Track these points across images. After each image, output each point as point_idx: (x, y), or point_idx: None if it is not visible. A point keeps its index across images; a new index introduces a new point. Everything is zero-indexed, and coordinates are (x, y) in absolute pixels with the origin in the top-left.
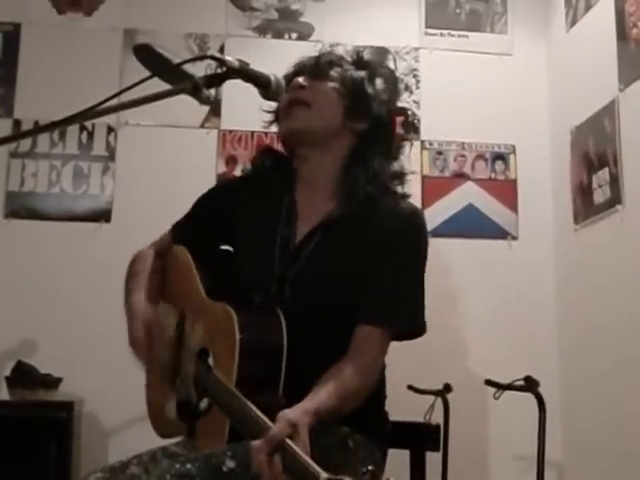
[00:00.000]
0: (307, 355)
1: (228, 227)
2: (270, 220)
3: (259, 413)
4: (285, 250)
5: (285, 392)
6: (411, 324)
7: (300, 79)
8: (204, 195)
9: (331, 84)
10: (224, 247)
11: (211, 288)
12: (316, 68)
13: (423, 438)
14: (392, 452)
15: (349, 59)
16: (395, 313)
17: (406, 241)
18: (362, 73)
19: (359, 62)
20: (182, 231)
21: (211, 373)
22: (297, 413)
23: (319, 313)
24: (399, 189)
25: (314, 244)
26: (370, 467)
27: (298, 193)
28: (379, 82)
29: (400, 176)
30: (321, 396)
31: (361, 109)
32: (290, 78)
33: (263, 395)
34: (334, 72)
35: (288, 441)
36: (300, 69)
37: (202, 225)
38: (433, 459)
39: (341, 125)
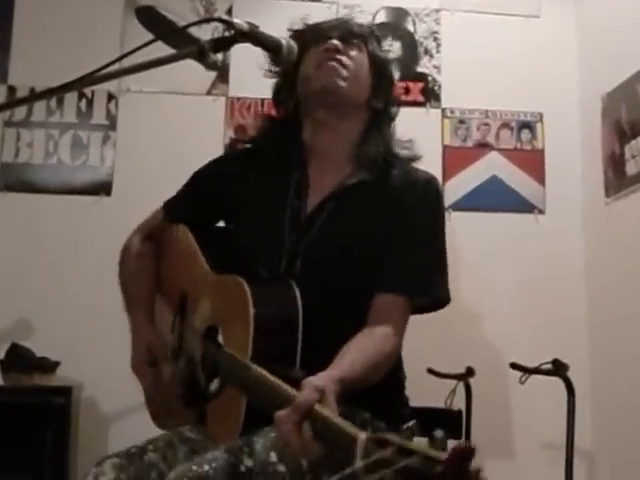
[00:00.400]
0: (322, 330)
1: (229, 203)
2: (278, 194)
3: (281, 383)
4: (296, 223)
5: (302, 368)
6: (435, 293)
7: (336, 42)
8: (201, 169)
9: (364, 57)
10: (222, 225)
11: (214, 268)
12: (350, 36)
13: (444, 424)
14: None
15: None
16: (418, 282)
17: (425, 209)
18: (388, 55)
19: (378, 39)
20: (176, 208)
21: (222, 350)
22: (323, 379)
23: (333, 287)
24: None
25: (327, 214)
26: (411, 423)
27: (310, 166)
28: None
29: (412, 159)
30: (345, 364)
31: (384, 90)
32: (317, 36)
33: (280, 369)
34: (364, 46)
35: (317, 407)
36: (330, 31)
37: (199, 202)
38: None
39: (366, 99)
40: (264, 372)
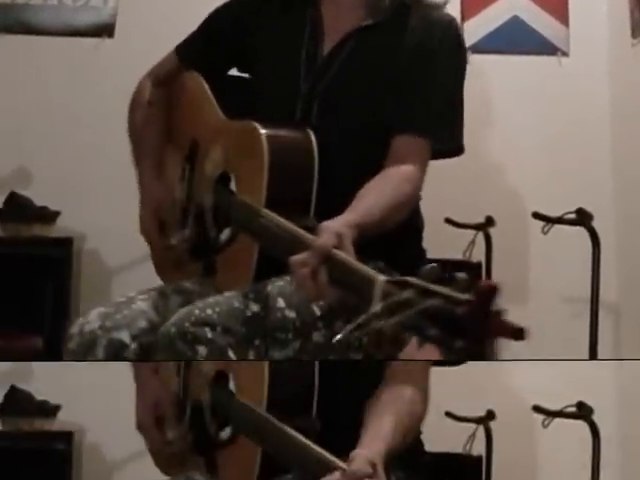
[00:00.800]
0: (338, 176)
1: (243, 46)
2: (293, 37)
3: (297, 228)
4: (312, 66)
5: (316, 216)
6: (452, 138)
7: None
8: (214, 12)
9: None
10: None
11: (228, 115)
12: None
13: None
14: None
15: None
16: (437, 123)
17: (445, 52)
18: None
19: None
20: (190, 51)
21: (234, 197)
22: (340, 224)
23: (351, 130)
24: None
25: (345, 54)
26: (432, 265)
27: (324, 6)
28: None
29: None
30: (362, 208)
31: None
32: None
33: (293, 217)
34: None
35: (334, 251)
36: None
37: (213, 45)
38: None
39: None
40: (278, 218)
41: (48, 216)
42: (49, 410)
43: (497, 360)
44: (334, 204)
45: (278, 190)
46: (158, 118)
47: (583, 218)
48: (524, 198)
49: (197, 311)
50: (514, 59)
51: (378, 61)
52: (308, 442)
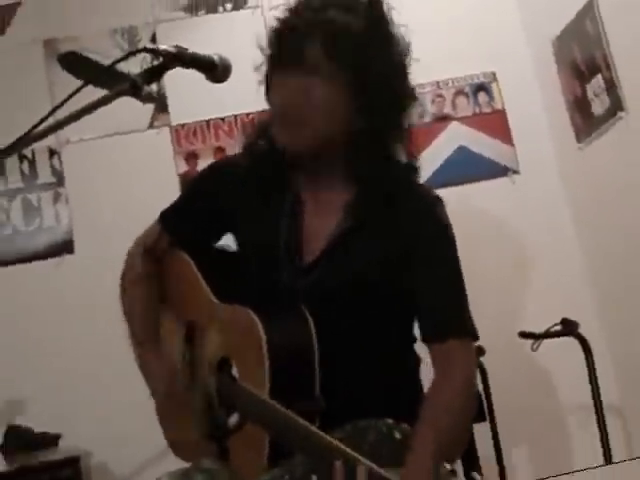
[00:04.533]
0: (336, 359)
1: (227, 218)
2: (273, 218)
3: (306, 423)
4: (292, 256)
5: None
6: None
7: (279, 86)
8: (198, 181)
9: (321, 78)
10: (221, 245)
11: (217, 290)
12: (296, 53)
13: None
14: None
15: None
16: (466, 319)
17: (442, 240)
18: (376, 43)
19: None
20: (174, 220)
21: (238, 385)
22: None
23: (338, 321)
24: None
25: (327, 258)
26: None
27: (302, 186)
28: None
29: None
30: (431, 436)
31: (369, 108)
32: (267, 74)
33: (299, 400)
34: (327, 49)
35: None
36: (276, 58)
37: (197, 217)
38: (481, 431)
39: (344, 125)
40: (284, 410)
41: (50, 440)
42: (50, 440)
43: None
44: (335, 382)
45: (281, 376)
46: (150, 293)
47: (569, 327)
48: (508, 322)
49: None
50: (467, 188)
51: (364, 263)
52: (311, 427)
